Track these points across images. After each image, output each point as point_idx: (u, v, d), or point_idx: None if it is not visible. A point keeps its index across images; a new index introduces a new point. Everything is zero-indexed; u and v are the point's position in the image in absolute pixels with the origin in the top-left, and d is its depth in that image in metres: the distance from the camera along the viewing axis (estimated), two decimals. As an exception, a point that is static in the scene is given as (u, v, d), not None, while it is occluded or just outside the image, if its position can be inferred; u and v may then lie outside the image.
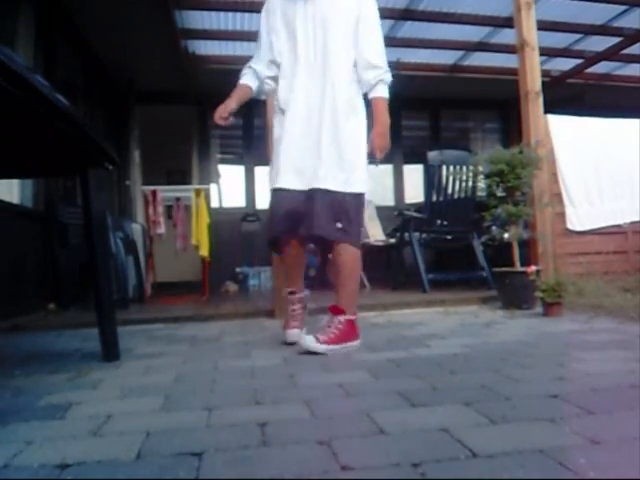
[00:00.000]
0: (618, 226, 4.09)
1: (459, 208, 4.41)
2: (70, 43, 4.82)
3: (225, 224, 6.25)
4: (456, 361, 1.80)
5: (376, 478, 0.89)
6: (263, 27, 2.35)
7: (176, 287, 5.60)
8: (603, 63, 6.30)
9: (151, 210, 4.84)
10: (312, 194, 2.13)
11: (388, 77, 2.23)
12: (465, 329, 2.57)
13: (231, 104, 2.26)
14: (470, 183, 4.37)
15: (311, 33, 2.19)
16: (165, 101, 6.60)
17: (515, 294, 3.17)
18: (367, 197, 2.31)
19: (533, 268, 3.16)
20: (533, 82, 3.59)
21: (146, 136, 6.53)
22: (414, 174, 7.25)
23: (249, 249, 6.38)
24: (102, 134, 4.10)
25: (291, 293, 2.36)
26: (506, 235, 3.41)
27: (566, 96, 6.15)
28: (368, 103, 2.26)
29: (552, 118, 3.88)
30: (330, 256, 2.41)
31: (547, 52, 5.58)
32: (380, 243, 5.28)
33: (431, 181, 4.39)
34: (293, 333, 2.26)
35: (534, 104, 3.58)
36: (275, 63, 2.31)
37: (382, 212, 5.68)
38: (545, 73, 4.95)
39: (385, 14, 3.30)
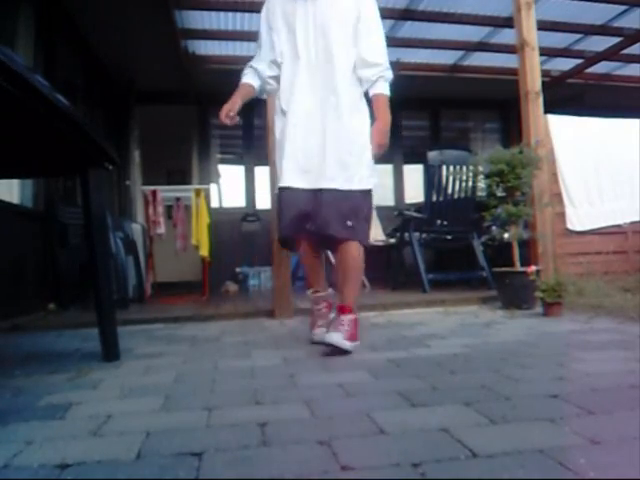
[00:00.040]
0: (618, 226, 4.09)
1: (459, 208, 4.41)
2: (70, 43, 4.82)
3: (225, 224, 6.25)
4: (456, 361, 1.80)
5: (376, 478, 0.89)
6: (263, 27, 2.35)
7: (176, 287, 5.59)
8: (603, 63, 6.30)
9: (151, 210, 4.84)
10: (320, 194, 2.13)
11: (389, 74, 2.23)
12: (465, 329, 2.57)
13: (237, 102, 2.26)
14: (470, 183, 4.37)
15: (311, 33, 2.19)
16: (165, 101, 6.59)
17: (515, 294, 3.17)
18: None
19: (533, 268, 3.16)
20: (533, 82, 3.59)
21: (146, 136, 6.53)
22: (414, 174, 7.25)
23: (249, 249, 6.38)
24: (102, 134, 4.10)
25: (314, 292, 2.38)
26: (506, 235, 3.41)
27: (566, 96, 6.15)
28: (369, 101, 2.26)
29: (552, 118, 3.88)
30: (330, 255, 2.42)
31: (547, 52, 5.58)
32: (380, 243, 5.28)
33: (431, 181, 4.39)
34: (320, 332, 2.25)
35: (534, 104, 3.58)
36: (276, 63, 2.31)
37: (382, 212, 5.67)
38: (545, 73, 4.95)
39: (385, 14, 3.30)
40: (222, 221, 6.09)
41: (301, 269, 5.81)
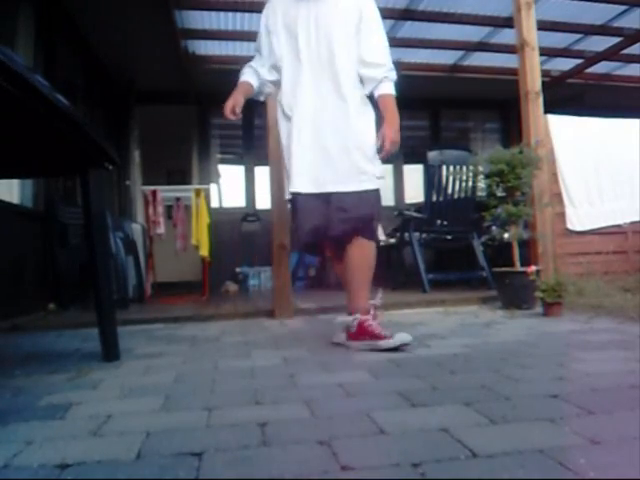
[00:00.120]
0: (618, 226, 4.09)
1: (459, 208, 4.41)
2: (70, 43, 4.82)
3: (225, 224, 6.25)
4: (456, 361, 1.80)
5: (376, 478, 0.89)
6: (263, 29, 2.34)
7: (176, 287, 5.60)
8: (603, 63, 6.30)
9: (151, 210, 4.84)
10: (331, 196, 2.14)
11: (393, 75, 2.24)
12: (465, 329, 2.57)
13: (240, 99, 2.25)
14: (470, 183, 4.37)
15: (314, 34, 2.19)
16: (165, 101, 6.60)
17: (515, 294, 3.17)
18: None
19: (533, 268, 3.16)
20: (533, 82, 3.59)
21: (146, 136, 6.53)
22: (414, 174, 7.25)
23: (249, 249, 6.38)
24: (102, 134, 4.10)
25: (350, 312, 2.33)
26: (506, 235, 3.41)
27: (566, 96, 6.15)
28: (372, 102, 2.26)
29: (552, 118, 3.88)
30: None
31: (547, 52, 5.58)
32: (380, 243, 5.27)
33: (431, 181, 4.39)
34: (341, 336, 2.25)
35: (534, 104, 3.58)
36: (276, 67, 2.31)
37: (382, 212, 5.67)
38: (545, 73, 4.95)
39: (385, 14, 3.29)
40: (222, 221, 6.09)
41: (301, 269, 5.83)
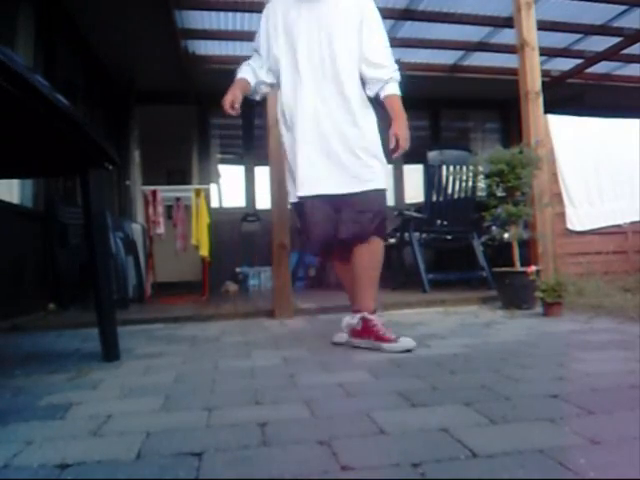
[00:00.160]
0: (618, 226, 4.08)
1: (459, 208, 4.40)
2: (70, 43, 4.82)
3: (225, 224, 6.25)
4: (456, 361, 1.80)
5: (376, 478, 0.89)
6: (262, 30, 2.33)
7: (176, 287, 5.59)
8: (603, 63, 6.30)
9: (151, 210, 4.84)
10: (339, 199, 2.14)
11: (397, 75, 2.25)
12: (465, 329, 2.57)
13: (239, 94, 2.22)
14: (470, 183, 4.37)
15: (315, 36, 2.18)
16: (165, 101, 6.60)
17: (515, 294, 3.17)
18: None
19: (533, 268, 3.16)
20: (533, 82, 3.59)
21: (146, 136, 6.53)
22: (414, 174, 7.25)
23: (249, 249, 6.38)
24: (102, 134, 4.10)
25: (353, 311, 2.30)
26: (506, 235, 3.41)
27: (566, 96, 6.15)
28: (373, 102, 2.27)
29: (552, 118, 3.87)
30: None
31: (547, 52, 5.58)
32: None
33: (431, 181, 4.38)
34: (341, 335, 2.26)
35: (534, 104, 3.58)
36: (273, 70, 2.31)
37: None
38: (545, 73, 4.95)
39: (385, 14, 3.29)
40: (222, 221, 6.09)
41: (301, 269, 5.83)
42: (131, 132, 6.32)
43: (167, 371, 1.83)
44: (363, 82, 2.24)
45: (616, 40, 5.74)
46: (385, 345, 2.03)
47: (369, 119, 2.23)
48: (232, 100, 2.19)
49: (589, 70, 6.45)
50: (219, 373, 1.79)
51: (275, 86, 2.34)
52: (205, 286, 4.89)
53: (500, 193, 3.36)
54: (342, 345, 2.21)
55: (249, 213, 6.75)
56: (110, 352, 2.05)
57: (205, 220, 4.77)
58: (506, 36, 5.20)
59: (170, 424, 1.22)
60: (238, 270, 6.32)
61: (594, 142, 4.09)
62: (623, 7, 5.05)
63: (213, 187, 6.77)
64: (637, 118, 4.22)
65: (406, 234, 4.46)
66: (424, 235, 4.50)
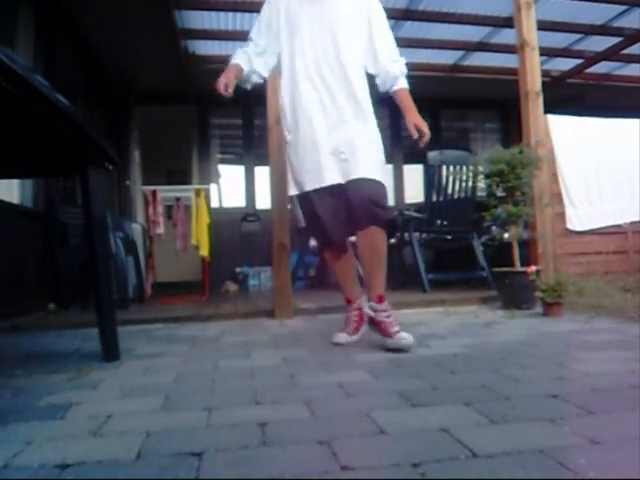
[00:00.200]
0: (618, 226, 4.09)
1: (459, 208, 4.40)
2: (70, 43, 4.82)
3: (225, 224, 6.25)
4: (456, 361, 1.80)
5: (376, 478, 0.89)
6: (263, 22, 2.33)
7: (176, 287, 5.60)
8: (603, 63, 6.30)
9: (151, 210, 4.84)
10: (346, 185, 2.13)
11: (405, 70, 2.29)
12: (465, 329, 2.57)
13: (232, 78, 2.21)
14: (470, 183, 4.37)
15: (318, 32, 2.18)
16: (165, 101, 6.60)
17: (515, 294, 3.17)
18: None
19: (533, 268, 3.16)
20: (533, 82, 3.59)
21: (146, 136, 6.53)
22: (414, 174, 7.25)
23: (249, 249, 6.38)
24: (102, 134, 4.10)
25: (348, 302, 2.35)
26: (506, 235, 3.41)
27: (566, 96, 6.15)
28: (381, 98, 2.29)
29: (552, 118, 3.88)
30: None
31: (547, 52, 5.58)
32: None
33: (431, 181, 4.39)
34: (340, 336, 2.27)
35: (534, 104, 3.58)
36: (270, 63, 2.31)
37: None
38: (545, 73, 4.95)
39: (385, 14, 3.31)
40: (222, 221, 6.10)
41: (301, 269, 5.83)
42: (131, 132, 6.32)
43: (167, 371, 1.83)
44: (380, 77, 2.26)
45: (616, 40, 5.74)
46: (388, 341, 2.04)
47: (372, 115, 2.23)
48: (226, 83, 2.17)
49: (589, 70, 6.45)
50: (219, 373, 1.79)
51: (267, 79, 2.36)
52: (205, 286, 4.89)
53: (500, 193, 3.36)
54: (342, 345, 2.21)
55: (249, 213, 6.75)
56: (110, 352, 2.05)
57: (205, 220, 4.77)
58: (506, 36, 5.20)
59: (170, 424, 1.22)
60: (238, 270, 6.32)
61: (594, 142, 4.09)
62: (623, 7, 5.05)
63: (213, 187, 6.77)
64: (637, 118, 4.22)
65: (406, 234, 4.46)
66: (424, 235, 4.50)
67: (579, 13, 5.13)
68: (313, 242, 4.48)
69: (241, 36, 5.10)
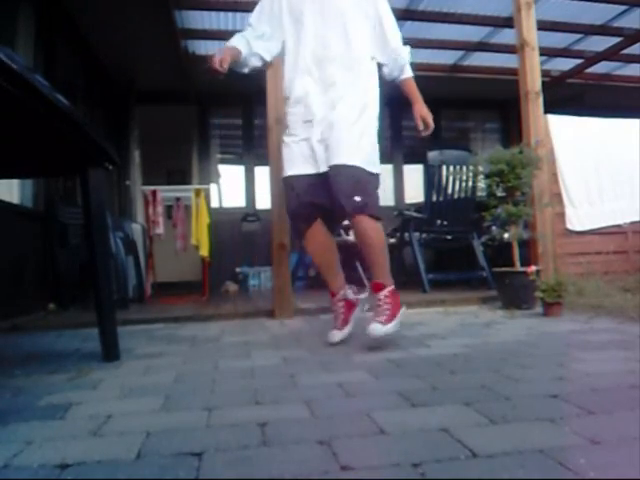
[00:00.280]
0: (618, 226, 4.09)
1: (459, 208, 4.40)
2: (70, 43, 4.82)
3: (225, 224, 6.25)
4: (456, 361, 1.80)
5: (376, 478, 0.89)
6: (266, 10, 2.32)
7: (176, 287, 5.60)
8: (603, 63, 6.30)
9: (151, 210, 4.84)
10: (328, 172, 2.12)
11: (410, 57, 2.34)
12: (465, 329, 2.57)
13: (228, 57, 2.16)
14: (470, 183, 4.37)
15: (319, 20, 2.18)
16: (165, 101, 6.60)
17: (515, 294, 3.17)
18: None
19: (533, 268, 3.16)
20: (533, 82, 3.59)
21: (146, 136, 6.53)
22: (414, 174, 7.25)
23: (249, 249, 6.38)
24: (102, 134, 4.10)
25: (332, 294, 2.34)
26: (506, 235, 3.41)
27: (566, 96, 6.15)
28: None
29: (552, 118, 3.87)
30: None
31: (547, 52, 5.58)
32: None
33: (431, 181, 4.39)
34: (332, 334, 2.25)
35: (534, 104, 3.58)
36: (270, 50, 2.30)
37: (382, 212, 5.66)
38: (545, 73, 4.95)
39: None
40: (222, 221, 6.10)
41: (301, 269, 5.83)
42: (131, 132, 6.32)
43: (167, 371, 1.83)
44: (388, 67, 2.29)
45: (616, 40, 5.74)
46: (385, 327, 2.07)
47: (377, 104, 2.24)
48: (221, 59, 2.13)
49: (589, 70, 6.45)
50: (219, 373, 1.79)
51: (268, 63, 2.35)
52: (205, 286, 4.89)
53: (500, 193, 3.36)
54: (341, 344, 2.21)
55: (249, 213, 6.75)
56: (110, 352, 2.05)
57: (205, 220, 4.76)
58: (506, 36, 5.20)
59: (170, 424, 1.22)
60: (238, 270, 6.32)
61: (594, 142, 4.09)
62: (623, 7, 5.05)
63: (213, 187, 6.77)
64: (637, 118, 4.22)
65: (406, 234, 4.46)
66: (424, 235, 4.50)
67: (579, 13, 5.13)
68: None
69: (241, 36, 5.14)
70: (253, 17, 2.36)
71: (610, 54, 6.01)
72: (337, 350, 2.15)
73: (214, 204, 6.64)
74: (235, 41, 2.28)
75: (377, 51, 2.25)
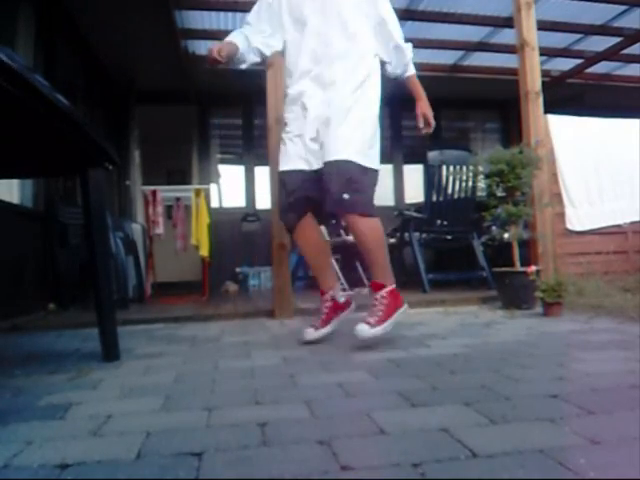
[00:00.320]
0: (618, 226, 4.09)
1: (459, 208, 4.40)
2: (70, 43, 4.82)
3: (225, 224, 6.25)
4: (456, 361, 1.80)
5: (376, 478, 0.89)
6: (264, 8, 2.32)
7: (176, 287, 5.60)
8: (603, 63, 6.30)
9: (151, 210, 4.84)
10: (322, 169, 2.12)
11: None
12: (465, 329, 2.57)
13: (226, 48, 2.16)
14: (470, 183, 4.37)
15: (321, 17, 2.18)
16: (165, 101, 6.60)
17: (515, 294, 3.17)
18: None
19: (533, 268, 3.16)
20: (533, 82, 3.59)
21: (146, 136, 6.53)
22: (414, 174, 7.25)
23: (249, 249, 6.38)
24: (102, 134, 4.10)
25: (322, 294, 2.35)
26: (506, 235, 3.41)
27: (566, 96, 6.15)
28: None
29: (552, 118, 3.88)
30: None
31: (547, 52, 5.58)
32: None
33: (431, 181, 4.39)
34: (306, 332, 2.27)
35: (534, 104, 3.58)
36: (270, 46, 2.30)
37: (382, 212, 5.64)
38: (545, 73, 4.95)
39: None
40: (222, 221, 6.10)
41: (301, 269, 5.83)
42: (131, 132, 6.32)
43: (167, 371, 1.83)
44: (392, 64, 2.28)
45: (616, 40, 5.74)
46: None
47: (378, 101, 2.23)
48: (219, 48, 2.12)
49: (589, 70, 6.45)
50: (219, 373, 1.79)
51: (267, 59, 2.36)
52: (205, 286, 4.89)
53: (500, 193, 3.36)
54: (341, 345, 2.21)
55: (249, 213, 6.75)
56: (110, 352, 2.05)
57: (205, 220, 4.77)
58: (506, 36, 5.20)
59: (170, 424, 1.22)
60: (238, 270, 6.32)
61: (594, 142, 4.09)
62: (623, 7, 5.05)
63: (213, 187, 6.77)
64: (637, 118, 4.22)
65: (406, 234, 4.46)
66: (424, 235, 4.50)
67: (579, 13, 5.13)
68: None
69: (241, 36, 5.14)
70: (251, 16, 2.36)
71: (610, 54, 6.01)
72: (337, 350, 2.15)
73: (214, 204, 6.64)
74: (233, 37, 2.28)
75: (380, 48, 2.25)
